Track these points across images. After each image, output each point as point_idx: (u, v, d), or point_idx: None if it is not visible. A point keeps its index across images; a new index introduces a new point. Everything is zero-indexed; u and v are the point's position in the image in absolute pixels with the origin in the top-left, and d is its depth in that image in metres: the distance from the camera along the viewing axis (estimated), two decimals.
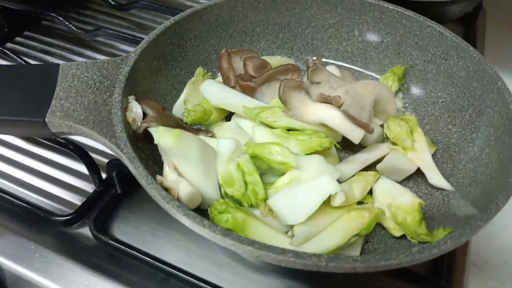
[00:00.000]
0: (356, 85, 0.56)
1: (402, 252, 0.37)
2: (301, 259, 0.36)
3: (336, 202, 0.48)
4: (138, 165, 0.42)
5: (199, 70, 0.62)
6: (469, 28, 0.91)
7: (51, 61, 0.79)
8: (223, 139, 0.51)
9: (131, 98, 0.50)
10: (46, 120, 0.45)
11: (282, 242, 0.46)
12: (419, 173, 0.55)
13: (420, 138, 0.57)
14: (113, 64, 0.51)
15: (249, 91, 0.58)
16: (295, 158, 0.50)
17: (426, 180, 0.55)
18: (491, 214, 0.41)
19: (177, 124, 0.55)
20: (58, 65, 0.50)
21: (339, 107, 0.53)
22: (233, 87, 0.59)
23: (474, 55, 0.57)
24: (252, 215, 0.47)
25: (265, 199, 0.49)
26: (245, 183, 0.49)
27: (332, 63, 0.69)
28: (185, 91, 0.60)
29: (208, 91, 0.57)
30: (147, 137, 0.49)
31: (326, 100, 0.54)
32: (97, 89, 0.49)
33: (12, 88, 0.48)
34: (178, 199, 0.45)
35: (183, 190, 0.46)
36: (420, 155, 0.56)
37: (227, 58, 0.61)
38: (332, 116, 0.53)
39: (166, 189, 0.44)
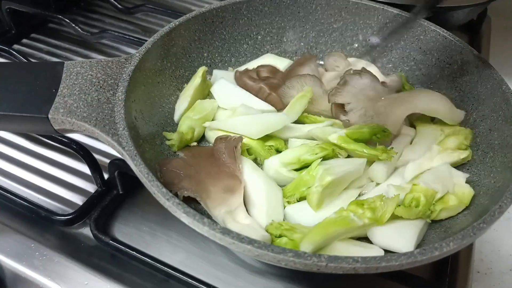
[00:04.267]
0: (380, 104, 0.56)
1: (403, 254, 0.37)
2: (301, 259, 0.36)
3: None
4: (140, 162, 0.42)
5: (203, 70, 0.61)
6: (474, 36, 0.91)
7: None
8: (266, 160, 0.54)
9: None
10: (49, 116, 0.45)
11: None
12: None
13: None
14: (117, 63, 0.52)
15: (275, 90, 0.60)
16: None
17: None
18: (494, 217, 0.40)
19: (206, 150, 0.55)
20: (62, 63, 0.50)
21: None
22: (269, 94, 0.60)
23: (478, 59, 0.57)
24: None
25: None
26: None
27: None
28: (190, 93, 0.59)
29: (219, 94, 0.61)
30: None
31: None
32: (100, 87, 0.49)
33: (17, 84, 0.48)
34: None
35: (257, 235, 0.45)
36: None
37: (247, 75, 0.62)
38: None
39: None
